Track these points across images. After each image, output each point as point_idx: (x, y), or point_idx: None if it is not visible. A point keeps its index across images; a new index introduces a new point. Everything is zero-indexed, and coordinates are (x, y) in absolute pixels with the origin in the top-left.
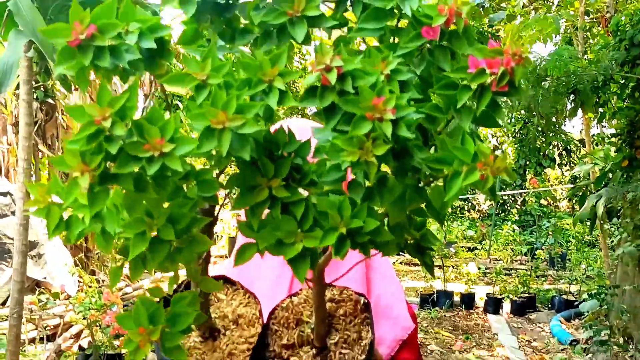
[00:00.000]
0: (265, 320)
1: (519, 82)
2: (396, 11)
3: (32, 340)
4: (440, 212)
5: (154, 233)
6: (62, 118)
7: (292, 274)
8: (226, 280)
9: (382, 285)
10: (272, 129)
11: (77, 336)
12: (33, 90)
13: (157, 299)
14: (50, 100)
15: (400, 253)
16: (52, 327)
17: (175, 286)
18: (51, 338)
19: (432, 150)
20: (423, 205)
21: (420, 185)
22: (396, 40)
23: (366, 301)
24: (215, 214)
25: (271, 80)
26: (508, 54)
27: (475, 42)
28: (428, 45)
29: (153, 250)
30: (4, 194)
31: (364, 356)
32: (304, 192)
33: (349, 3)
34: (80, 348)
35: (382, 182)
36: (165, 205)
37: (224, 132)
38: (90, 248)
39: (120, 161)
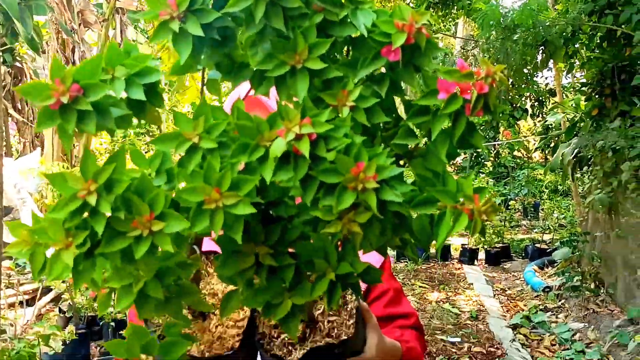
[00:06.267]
0: None
1: (493, 104)
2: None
3: (12, 305)
4: (425, 244)
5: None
6: (31, 81)
7: None
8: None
9: None
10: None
11: (57, 300)
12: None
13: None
14: (18, 64)
15: None
16: (31, 291)
17: None
18: (31, 302)
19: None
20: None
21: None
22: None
23: None
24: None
25: (267, 146)
26: (480, 77)
27: (438, 49)
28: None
29: (140, 304)
30: None
31: (352, 320)
32: None
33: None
34: (60, 311)
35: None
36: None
37: (217, 212)
38: None
39: (106, 238)
